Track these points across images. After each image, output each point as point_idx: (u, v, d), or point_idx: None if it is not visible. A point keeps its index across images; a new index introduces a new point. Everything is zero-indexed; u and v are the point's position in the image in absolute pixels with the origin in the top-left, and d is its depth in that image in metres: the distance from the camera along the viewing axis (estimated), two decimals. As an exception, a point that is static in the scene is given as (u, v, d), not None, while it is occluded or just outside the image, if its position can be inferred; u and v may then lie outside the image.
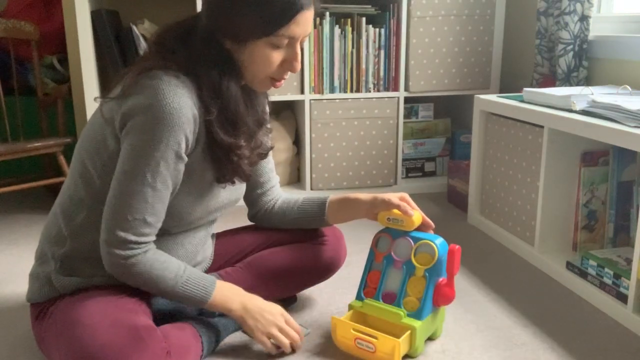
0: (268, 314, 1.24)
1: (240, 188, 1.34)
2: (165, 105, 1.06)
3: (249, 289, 1.38)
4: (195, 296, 1.18)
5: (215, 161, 1.18)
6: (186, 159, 1.13)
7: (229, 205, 1.32)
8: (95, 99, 1.21)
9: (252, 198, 1.44)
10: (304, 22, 1.13)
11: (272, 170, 1.44)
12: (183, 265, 1.19)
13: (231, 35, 1.13)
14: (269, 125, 1.35)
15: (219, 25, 1.13)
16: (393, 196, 1.32)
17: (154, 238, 1.15)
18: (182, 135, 1.09)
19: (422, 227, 1.33)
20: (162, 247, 1.23)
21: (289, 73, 1.20)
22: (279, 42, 1.12)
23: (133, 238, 1.11)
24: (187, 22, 1.18)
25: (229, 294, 1.22)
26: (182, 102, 1.07)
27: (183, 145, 1.10)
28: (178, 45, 1.14)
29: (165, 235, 1.23)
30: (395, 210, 1.30)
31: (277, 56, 1.14)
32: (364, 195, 1.35)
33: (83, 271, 1.19)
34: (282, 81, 1.21)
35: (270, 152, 1.40)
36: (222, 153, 1.17)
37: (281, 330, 1.25)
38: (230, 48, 1.15)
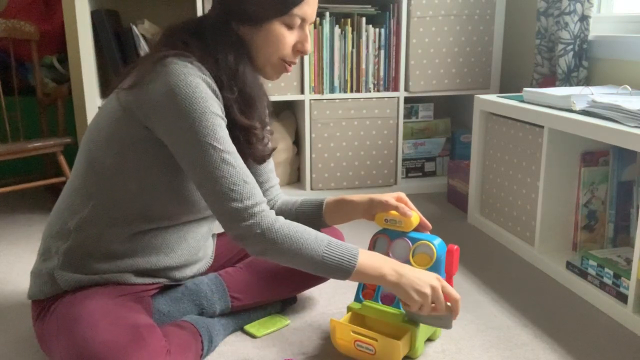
0: (423, 278, 1.15)
1: None
2: (188, 82, 1.08)
3: (249, 289, 1.38)
4: (342, 262, 1.12)
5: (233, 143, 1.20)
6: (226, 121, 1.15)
7: None
8: (110, 89, 1.22)
9: (252, 198, 1.45)
10: (313, 3, 1.20)
11: (271, 170, 1.45)
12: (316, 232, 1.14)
13: (246, 19, 1.17)
14: (268, 127, 1.36)
15: (234, 11, 1.17)
16: (390, 197, 1.32)
17: (264, 199, 1.13)
18: (214, 102, 1.11)
19: (420, 228, 1.33)
20: (164, 241, 1.24)
21: (298, 59, 1.26)
22: (293, 22, 1.18)
23: (244, 204, 1.09)
24: (194, 19, 1.24)
25: (376, 258, 1.16)
26: (200, 80, 1.10)
27: (220, 111, 1.13)
28: (188, 38, 1.18)
29: (170, 228, 1.24)
30: (393, 212, 1.30)
31: (290, 37, 1.20)
32: (361, 197, 1.35)
33: (86, 267, 1.19)
34: (292, 66, 1.25)
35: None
36: (242, 134, 1.21)
37: (436, 293, 1.15)
38: (244, 34, 1.19)
